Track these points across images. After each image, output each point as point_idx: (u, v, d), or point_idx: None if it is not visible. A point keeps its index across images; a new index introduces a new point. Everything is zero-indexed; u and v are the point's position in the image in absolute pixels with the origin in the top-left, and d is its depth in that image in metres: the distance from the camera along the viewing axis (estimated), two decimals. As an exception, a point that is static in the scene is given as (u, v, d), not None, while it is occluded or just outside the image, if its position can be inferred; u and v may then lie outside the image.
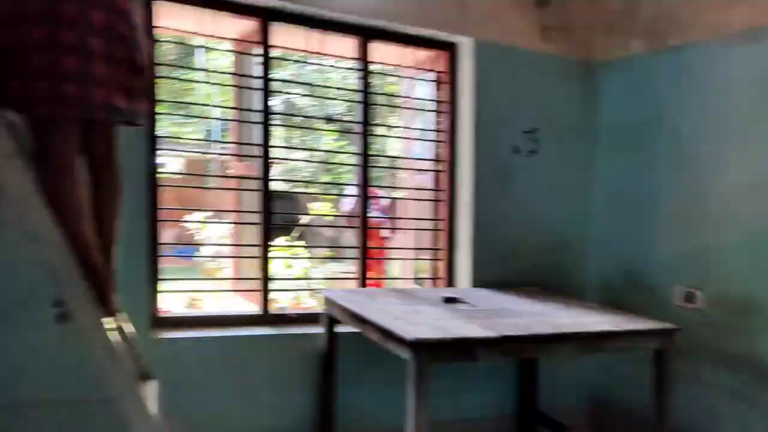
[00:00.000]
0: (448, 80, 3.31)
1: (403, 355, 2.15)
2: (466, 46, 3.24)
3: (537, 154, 3.35)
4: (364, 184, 3.19)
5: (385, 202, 6.82)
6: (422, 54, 3.36)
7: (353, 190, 7.37)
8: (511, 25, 3.26)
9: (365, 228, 3.21)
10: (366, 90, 3.14)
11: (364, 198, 3.21)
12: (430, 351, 2.08)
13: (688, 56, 2.96)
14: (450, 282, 3.37)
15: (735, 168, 2.77)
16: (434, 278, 3.41)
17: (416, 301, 2.86)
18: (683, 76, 2.99)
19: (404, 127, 3.46)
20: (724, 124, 2.81)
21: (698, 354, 2.89)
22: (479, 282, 3.24)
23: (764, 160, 2.65)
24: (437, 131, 3.37)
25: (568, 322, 2.42)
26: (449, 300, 2.74)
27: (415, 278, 3.53)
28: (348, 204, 7.28)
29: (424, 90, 3.50)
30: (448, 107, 3.32)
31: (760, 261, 2.65)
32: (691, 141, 2.96)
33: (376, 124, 3.28)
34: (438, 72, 3.35)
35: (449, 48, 3.29)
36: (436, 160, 3.39)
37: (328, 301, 2.82)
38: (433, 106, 3.38)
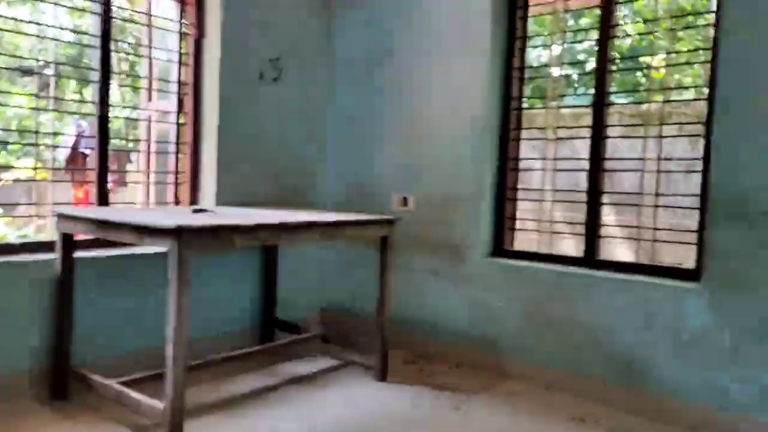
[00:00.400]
0: (194, 2, 3.32)
1: (162, 246, 2.19)
2: (213, -31, 3.28)
3: (280, 81, 3.60)
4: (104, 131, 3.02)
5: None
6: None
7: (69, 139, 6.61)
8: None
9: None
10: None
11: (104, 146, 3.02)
12: (193, 237, 2.17)
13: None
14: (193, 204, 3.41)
15: (438, 99, 3.45)
16: (177, 202, 3.39)
17: (165, 212, 2.88)
18: (408, 14, 3.55)
19: (145, 50, 3.31)
20: (433, 59, 3.44)
21: (409, 246, 3.55)
22: (223, 203, 3.35)
23: (457, 91, 3.36)
24: (181, 53, 3.35)
25: (311, 218, 2.76)
26: (198, 210, 2.83)
27: (157, 202, 3.44)
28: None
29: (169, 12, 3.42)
30: (195, 31, 3.34)
31: (454, 168, 3.40)
32: (409, 72, 3.56)
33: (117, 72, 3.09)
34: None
35: (195, -30, 3.29)
36: (180, 83, 3.36)
37: (64, 218, 2.62)
38: (176, 28, 3.34)
